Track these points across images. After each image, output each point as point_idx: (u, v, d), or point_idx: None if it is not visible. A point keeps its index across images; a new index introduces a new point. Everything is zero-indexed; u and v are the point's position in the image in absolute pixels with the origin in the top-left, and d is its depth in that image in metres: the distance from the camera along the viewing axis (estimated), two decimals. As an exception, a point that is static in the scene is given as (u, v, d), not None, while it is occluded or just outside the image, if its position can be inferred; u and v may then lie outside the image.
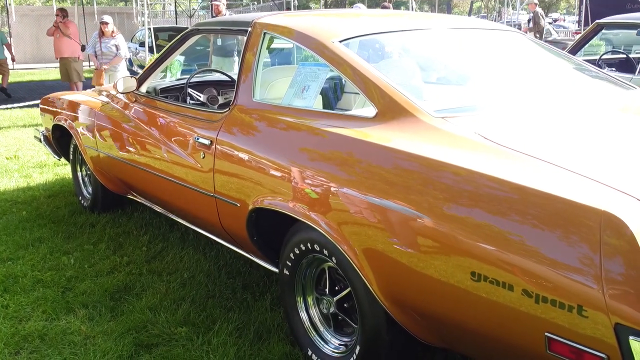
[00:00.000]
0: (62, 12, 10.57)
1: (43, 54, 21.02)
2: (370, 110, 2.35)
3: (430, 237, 1.92)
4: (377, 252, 2.11)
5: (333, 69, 2.55)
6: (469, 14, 56.99)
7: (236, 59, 7.61)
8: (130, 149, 3.75)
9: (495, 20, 41.83)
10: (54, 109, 4.84)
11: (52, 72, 18.36)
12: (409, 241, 2.00)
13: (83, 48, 10.26)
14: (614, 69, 5.77)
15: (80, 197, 4.86)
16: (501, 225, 1.76)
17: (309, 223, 2.34)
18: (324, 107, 2.66)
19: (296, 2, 17.34)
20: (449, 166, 1.92)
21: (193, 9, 25.14)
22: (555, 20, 38.93)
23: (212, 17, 9.42)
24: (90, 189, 4.75)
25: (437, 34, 2.99)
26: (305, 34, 2.73)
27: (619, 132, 2.31)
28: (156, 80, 4.10)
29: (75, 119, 4.47)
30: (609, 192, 1.64)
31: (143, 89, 3.83)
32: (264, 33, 2.90)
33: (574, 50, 5.76)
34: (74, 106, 4.52)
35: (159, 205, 3.84)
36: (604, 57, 5.87)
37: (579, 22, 25.55)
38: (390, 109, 2.28)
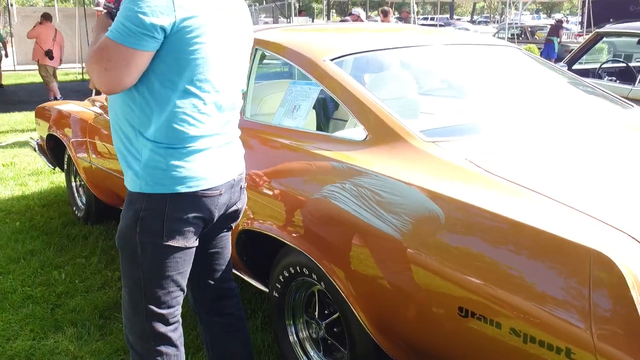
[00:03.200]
0: (43, 16, 11.39)
1: (45, 55, 21.01)
2: (360, 133, 2.31)
3: (418, 267, 1.88)
4: (365, 279, 2.07)
5: (324, 88, 2.51)
6: (472, 15, 56.94)
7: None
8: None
9: (497, 22, 41.81)
10: (49, 119, 4.81)
11: (53, 74, 18.37)
12: (396, 271, 1.95)
13: (47, 53, 10.91)
14: (614, 78, 5.72)
15: (74, 208, 4.83)
16: (490, 259, 1.72)
17: (297, 247, 2.30)
18: (314, 128, 2.60)
19: (297, 3, 17.31)
20: (438, 195, 1.87)
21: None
22: (560, 22, 38.84)
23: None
24: (84, 200, 4.71)
25: (432, 50, 2.94)
26: (296, 52, 2.69)
27: (617, 156, 2.26)
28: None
29: (69, 129, 4.43)
30: (602, 227, 1.60)
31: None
32: (256, 49, 2.86)
33: (574, 59, 5.71)
34: (67, 117, 4.49)
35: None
36: (604, 65, 5.80)
37: (581, 23, 25.54)
38: (381, 132, 2.23)
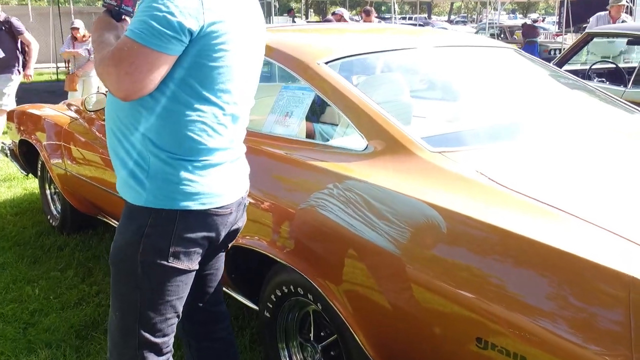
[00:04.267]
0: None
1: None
2: (359, 142, 2.14)
3: (424, 288, 1.72)
4: (365, 299, 1.92)
5: (318, 93, 2.33)
6: (449, 15, 57.11)
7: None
8: (100, 170, 3.49)
9: (475, 22, 41.91)
10: (21, 123, 4.57)
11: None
12: (399, 290, 1.80)
13: None
14: (603, 79, 5.62)
15: (49, 216, 4.59)
16: (506, 283, 1.56)
17: (290, 265, 2.13)
18: (308, 136, 2.43)
19: (276, 2, 17.10)
20: (447, 212, 1.72)
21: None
22: (535, 21, 39.13)
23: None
24: (59, 208, 4.49)
25: (432, 53, 2.78)
26: (287, 54, 2.51)
27: (637, 166, 2.13)
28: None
29: (42, 134, 4.21)
30: (636, 249, 1.45)
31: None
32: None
33: (564, 60, 5.60)
34: (40, 121, 4.25)
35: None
36: (594, 67, 5.71)
37: (559, 23, 25.65)
38: (382, 142, 2.07)
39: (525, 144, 2.20)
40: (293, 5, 42.97)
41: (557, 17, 26.22)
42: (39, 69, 18.47)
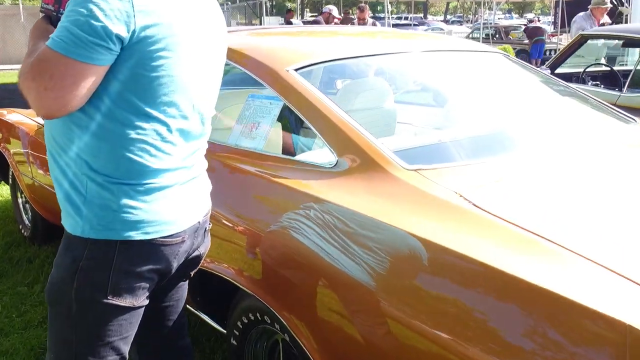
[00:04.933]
0: None
1: (9, 54, 20.33)
2: (329, 158, 1.96)
3: (406, 328, 1.53)
4: (335, 337, 1.73)
5: (287, 103, 2.15)
6: (445, 15, 56.96)
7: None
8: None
9: (470, 22, 41.75)
10: (-9, 129, 4.38)
11: (17, 75, 17.65)
12: (375, 329, 1.61)
13: None
14: (598, 82, 5.45)
15: (20, 226, 4.40)
16: (491, 325, 1.38)
17: (254, 295, 1.95)
18: (276, 150, 2.24)
19: (270, 2, 16.87)
20: (424, 241, 1.53)
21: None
22: (530, 21, 39.02)
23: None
24: (30, 217, 4.29)
25: (412, 58, 2.59)
26: (254, 59, 2.32)
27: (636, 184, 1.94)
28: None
29: (10, 141, 4.01)
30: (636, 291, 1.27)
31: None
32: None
33: (558, 63, 5.42)
34: (8, 127, 4.06)
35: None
36: (588, 69, 5.53)
37: (554, 23, 25.50)
38: (353, 158, 1.89)
39: (513, 161, 2.01)
40: (289, 5, 42.77)
41: (553, 17, 26.06)
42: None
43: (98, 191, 1.48)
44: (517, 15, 55.20)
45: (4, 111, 4.51)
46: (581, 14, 7.89)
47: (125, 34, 1.37)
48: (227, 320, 2.29)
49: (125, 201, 1.48)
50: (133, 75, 1.43)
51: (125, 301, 1.54)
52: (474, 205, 1.62)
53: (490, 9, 27.89)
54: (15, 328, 3.10)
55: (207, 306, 2.38)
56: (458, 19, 51.82)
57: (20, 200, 4.43)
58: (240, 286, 2.01)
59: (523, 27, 22.34)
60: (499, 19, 35.69)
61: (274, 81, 2.21)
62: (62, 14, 1.59)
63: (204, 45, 1.57)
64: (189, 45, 1.50)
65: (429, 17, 51.46)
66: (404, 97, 2.54)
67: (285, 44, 2.60)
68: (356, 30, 3.20)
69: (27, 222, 4.35)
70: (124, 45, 1.39)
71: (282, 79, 2.18)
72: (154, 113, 1.47)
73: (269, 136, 2.17)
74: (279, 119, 2.19)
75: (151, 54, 1.42)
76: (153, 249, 1.53)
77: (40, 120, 3.88)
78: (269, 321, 2.01)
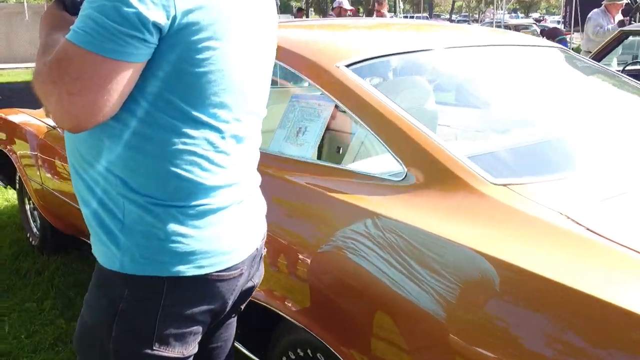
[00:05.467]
0: None
1: (14, 53, 20.13)
2: (396, 169, 1.67)
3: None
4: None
5: (340, 104, 1.86)
6: (451, 13, 56.56)
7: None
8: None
9: (477, 21, 41.43)
10: (-3, 131, 4.10)
11: (21, 73, 17.45)
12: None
13: None
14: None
15: (28, 234, 4.12)
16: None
17: (303, 326, 1.66)
18: (328, 159, 1.95)
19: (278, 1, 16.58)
20: (530, 275, 1.24)
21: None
22: (538, 20, 38.70)
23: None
24: (39, 225, 4.01)
25: (480, 53, 2.28)
26: (298, 54, 2.03)
27: None
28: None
29: (18, 144, 3.74)
30: None
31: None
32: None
33: (597, 59, 5.12)
34: (16, 129, 3.78)
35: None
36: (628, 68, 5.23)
37: (564, 22, 25.15)
38: (427, 170, 1.60)
39: (615, 175, 1.71)
40: (294, 4, 42.45)
41: (563, 15, 25.69)
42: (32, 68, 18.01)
43: (139, 215, 1.19)
44: (522, 15, 54.85)
45: (10, 111, 4.23)
46: (596, 10, 7.67)
47: (164, 21, 1.09)
48: (267, 353, 2.00)
49: (174, 227, 1.19)
50: (175, 71, 1.15)
51: (174, 351, 1.25)
52: (588, 229, 1.33)
53: (497, 7, 27.54)
54: (24, 351, 2.81)
55: (244, 336, 2.09)
56: (464, 18, 51.53)
57: (27, 207, 4.15)
58: (286, 316, 1.72)
59: (533, 25, 22.06)
60: (508, 18, 35.34)
61: (323, 79, 1.92)
62: None
63: (255, 32, 1.28)
64: (239, 33, 1.22)
65: (434, 16, 51.18)
66: (469, 96, 2.24)
67: (333, 37, 2.30)
68: (407, 23, 2.89)
69: (35, 230, 4.07)
70: (163, 35, 1.11)
71: (333, 76, 1.89)
72: (203, 117, 1.19)
73: (318, 142, 1.88)
74: (330, 122, 1.90)
75: (196, 44, 1.14)
76: (208, 285, 1.25)
77: (50, 122, 3.60)
78: (322, 359, 1.73)
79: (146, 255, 1.19)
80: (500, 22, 23.90)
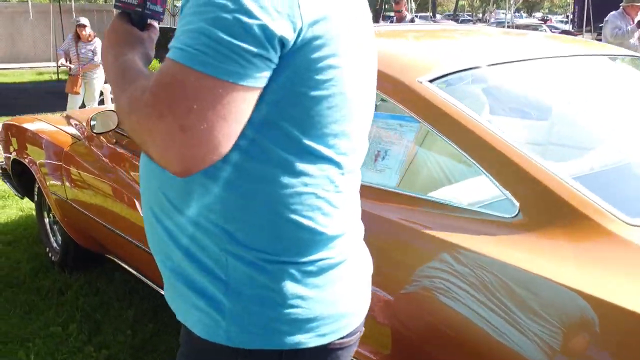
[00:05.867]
0: None
1: (18, 53, 19.93)
2: (504, 205, 1.45)
3: None
4: None
5: (426, 125, 1.64)
6: (454, 12, 56.23)
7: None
8: (108, 205, 2.81)
9: (481, 21, 41.13)
10: (14, 140, 3.88)
11: (26, 74, 17.26)
12: None
13: None
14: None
15: (47, 249, 3.89)
16: None
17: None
18: (414, 188, 1.72)
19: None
20: None
21: (175, 6, 23.91)
22: (544, 20, 38.44)
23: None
24: (59, 240, 3.79)
25: (584, 64, 2.05)
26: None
27: None
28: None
29: (39, 155, 3.52)
30: None
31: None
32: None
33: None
34: (37, 140, 3.56)
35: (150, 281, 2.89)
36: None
37: (572, 21, 24.85)
38: (546, 207, 1.38)
39: None
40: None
41: (572, 14, 25.41)
42: (39, 68, 17.85)
43: (248, 275, 0.98)
44: (525, 15, 54.55)
45: (26, 119, 4.02)
46: (613, 12, 7.53)
47: (290, 35, 0.89)
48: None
49: (292, 288, 0.98)
50: (291, 95, 0.94)
51: None
52: None
53: (499, 7, 27.28)
54: (53, 383, 2.61)
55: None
56: (468, 18, 51.29)
57: (47, 220, 3.93)
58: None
59: (542, 25, 21.79)
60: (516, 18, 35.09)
61: (403, 96, 1.70)
62: (149, 9, 1.09)
63: (365, 46, 1.07)
64: (356, 47, 1.02)
65: (437, 15, 50.93)
66: (591, 121, 1.96)
67: (411, 48, 2.07)
68: (490, 31, 2.65)
69: (55, 245, 3.85)
70: (284, 51, 0.90)
71: (416, 92, 1.68)
72: (323, 150, 0.98)
73: (402, 168, 1.66)
74: (416, 146, 1.68)
75: (317, 62, 0.93)
76: (329, 356, 1.04)
77: (73, 130, 3.38)
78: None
79: (260, 324, 0.98)
80: (509, 22, 23.65)
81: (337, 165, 1.02)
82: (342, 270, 1.05)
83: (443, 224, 1.48)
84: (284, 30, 0.87)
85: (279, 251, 0.98)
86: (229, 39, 0.84)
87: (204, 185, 0.96)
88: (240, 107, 0.87)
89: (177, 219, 1.02)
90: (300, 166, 0.97)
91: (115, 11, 1.14)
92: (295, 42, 0.90)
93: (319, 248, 1.01)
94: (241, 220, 0.97)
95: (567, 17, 39.49)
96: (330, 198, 1.02)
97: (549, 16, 49.59)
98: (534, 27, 22.30)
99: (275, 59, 0.89)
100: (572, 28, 23.80)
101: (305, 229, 0.99)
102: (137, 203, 2.57)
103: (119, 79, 0.97)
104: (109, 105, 6.92)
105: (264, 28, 0.85)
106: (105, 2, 27.30)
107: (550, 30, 21.86)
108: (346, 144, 1.03)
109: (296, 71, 0.93)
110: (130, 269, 3.07)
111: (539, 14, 54.93)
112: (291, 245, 0.99)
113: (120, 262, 3.18)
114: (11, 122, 4.09)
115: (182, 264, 1.03)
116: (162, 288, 2.72)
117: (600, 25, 17.30)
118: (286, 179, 0.97)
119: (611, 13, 7.55)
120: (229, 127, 0.87)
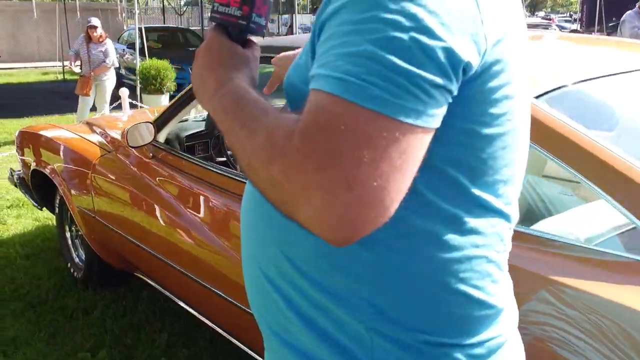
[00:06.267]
0: None
1: (21, 52, 19.74)
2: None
3: None
4: None
5: (536, 147, 1.43)
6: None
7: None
8: (145, 227, 2.60)
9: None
10: (34, 149, 3.67)
11: (31, 74, 17.06)
12: None
13: None
14: None
15: (69, 264, 3.67)
16: None
17: None
18: (520, 221, 1.51)
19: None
20: None
21: (182, 5, 23.64)
22: (548, 19, 38.14)
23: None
24: (82, 255, 3.59)
25: None
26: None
27: None
28: (184, 122, 2.94)
29: (62, 167, 3.30)
30: None
31: (163, 136, 2.67)
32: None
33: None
34: (60, 149, 3.35)
35: (187, 305, 2.68)
36: None
37: (581, 21, 24.60)
38: None
39: None
40: (298, 1, 41.84)
41: (580, 13, 25.16)
42: (44, 68, 17.63)
43: (398, 358, 0.77)
44: (528, 14, 54.28)
45: (50, 127, 3.81)
46: (629, 12, 7.37)
47: (476, 61, 0.69)
48: None
49: None
50: (461, 134, 0.74)
51: None
52: None
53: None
54: (86, 419, 2.40)
55: None
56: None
57: (68, 234, 3.71)
58: None
59: (552, 24, 21.55)
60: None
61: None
62: (254, 22, 0.87)
63: (526, 70, 0.86)
64: (523, 72, 0.81)
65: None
66: None
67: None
68: (584, 37, 2.43)
69: (77, 260, 3.64)
70: (463, 80, 0.69)
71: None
72: (493, 201, 0.79)
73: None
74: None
75: (493, 93, 0.74)
76: None
77: (98, 139, 3.18)
78: None
79: None
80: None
81: (507, 218, 0.82)
82: (509, 349, 0.84)
83: (558, 264, 1.27)
84: (470, 54, 0.67)
85: (441, 330, 0.78)
86: (406, 66, 0.63)
87: (348, 249, 0.75)
88: (417, 155, 0.66)
89: (302, 286, 0.81)
90: (470, 222, 0.77)
91: (211, 23, 0.92)
92: (476, 70, 0.69)
93: (487, 324, 0.80)
94: (395, 292, 0.76)
95: (571, 15, 39.21)
96: (500, 261, 0.82)
97: (552, 15, 49.25)
98: (544, 27, 22.04)
99: (455, 91, 0.68)
100: (580, 27, 23.57)
101: (475, 301, 0.78)
102: (175, 223, 2.36)
103: (236, 111, 0.75)
104: (127, 111, 6.72)
105: (449, 52, 0.65)
106: (108, 0, 27.05)
107: (560, 29, 21.63)
108: (512, 191, 0.83)
109: (469, 105, 0.72)
110: (163, 290, 2.87)
111: (541, 13, 54.59)
112: (458, 323, 0.78)
113: (151, 282, 2.97)
114: (28, 130, 3.88)
115: (306, 341, 0.82)
116: (194, 309, 2.54)
117: (610, 24, 17.07)
118: (453, 239, 0.76)
119: (627, 13, 7.41)
120: (405, 182, 0.65)
